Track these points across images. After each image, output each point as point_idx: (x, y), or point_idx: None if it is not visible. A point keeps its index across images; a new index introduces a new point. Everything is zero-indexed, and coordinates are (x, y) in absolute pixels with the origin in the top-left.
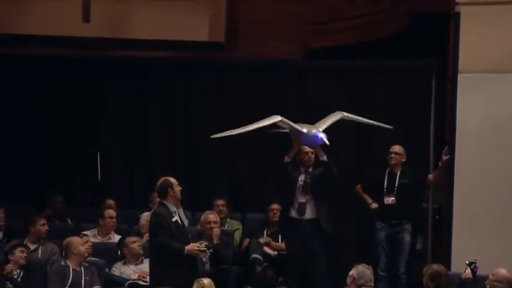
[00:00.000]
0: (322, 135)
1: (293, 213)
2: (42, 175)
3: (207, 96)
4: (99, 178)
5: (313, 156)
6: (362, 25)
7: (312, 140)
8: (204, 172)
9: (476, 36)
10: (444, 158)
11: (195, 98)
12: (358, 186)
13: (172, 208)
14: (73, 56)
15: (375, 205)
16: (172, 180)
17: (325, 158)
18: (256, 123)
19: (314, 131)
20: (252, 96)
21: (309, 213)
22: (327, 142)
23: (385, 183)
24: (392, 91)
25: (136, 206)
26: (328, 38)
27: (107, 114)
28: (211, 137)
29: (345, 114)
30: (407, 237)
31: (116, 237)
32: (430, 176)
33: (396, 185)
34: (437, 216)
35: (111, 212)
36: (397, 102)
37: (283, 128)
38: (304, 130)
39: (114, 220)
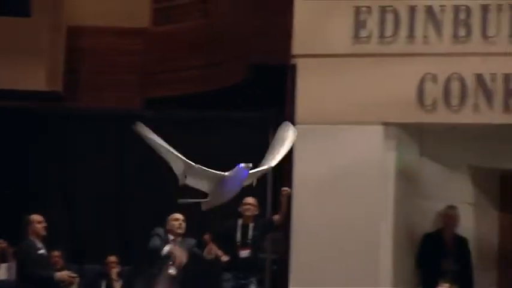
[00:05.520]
0: (243, 164)
1: None
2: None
3: (46, 145)
4: None
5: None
6: (200, 76)
7: (238, 177)
8: None
9: (312, 88)
10: (284, 193)
11: (33, 148)
12: (207, 236)
13: (38, 243)
14: None
15: (225, 258)
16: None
17: None
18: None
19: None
20: (93, 145)
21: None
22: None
23: (238, 235)
24: (229, 143)
25: None
26: (166, 88)
27: None
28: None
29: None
30: None
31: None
32: (275, 216)
33: (250, 238)
34: (275, 267)
35: None
36: (234, 154)
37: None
38: (226, 173)
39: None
